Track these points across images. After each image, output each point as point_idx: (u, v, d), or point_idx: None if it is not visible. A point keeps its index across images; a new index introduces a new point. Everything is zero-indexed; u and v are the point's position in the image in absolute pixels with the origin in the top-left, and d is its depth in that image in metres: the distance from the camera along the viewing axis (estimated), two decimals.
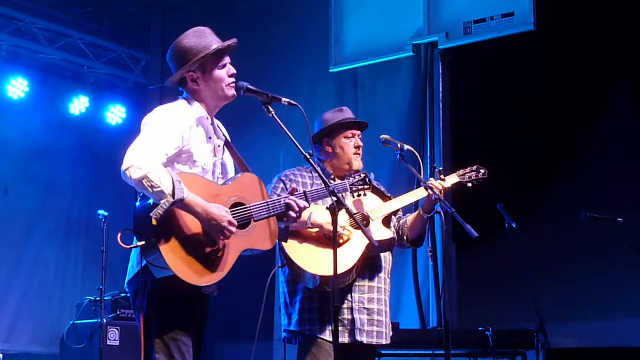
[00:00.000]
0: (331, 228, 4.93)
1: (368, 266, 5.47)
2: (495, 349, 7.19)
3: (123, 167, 4.19)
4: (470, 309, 8.91)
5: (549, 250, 8.47)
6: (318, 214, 5.29)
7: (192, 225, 4.32)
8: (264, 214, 4.62)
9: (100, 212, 9.03)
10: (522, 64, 9.05)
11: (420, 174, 5.54)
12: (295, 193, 4.80)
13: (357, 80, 10.33)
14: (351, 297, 5.42)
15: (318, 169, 4.66)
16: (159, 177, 4.16)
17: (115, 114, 11.96)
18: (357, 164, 5.63)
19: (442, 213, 5.28)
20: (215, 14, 11.10)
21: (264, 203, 4.64)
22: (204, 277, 4.35)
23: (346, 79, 10.38)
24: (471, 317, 8.69)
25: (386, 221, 5.57)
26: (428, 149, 9.35)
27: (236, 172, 4.84)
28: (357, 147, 5.66)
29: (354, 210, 5.34)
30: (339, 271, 4.70)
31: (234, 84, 4.69)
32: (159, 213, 4.14)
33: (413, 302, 9.25)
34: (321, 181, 4.65)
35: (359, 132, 5.72)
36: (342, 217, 5.23)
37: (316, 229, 5.31)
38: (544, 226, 8.49)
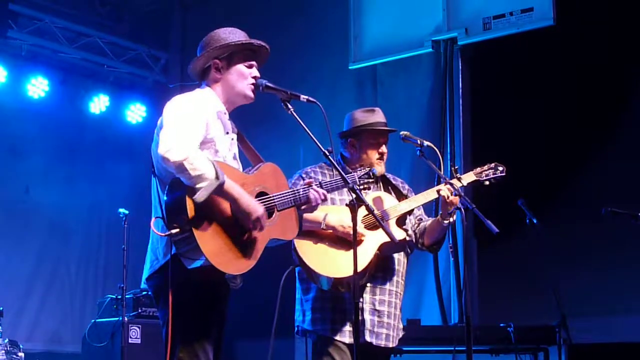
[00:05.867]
0: (345, 231, 5.00)
1: (381, 268, 5.45)
2: (517, 345, 7.18)
3: (161, 151, 4.15)
4: (491, 305, 8.88)
5: (570, 245, 8.43)
6: (333, 215, 5.30)
7: (224, 212, 4.31)
8: (288, 204, 4.65)
9: (121, 210, 9.05)
10: (542, 60, 9.02)
11: (440, 170, 5.51)
12: (313, 184, 4.82)
13: (376, 77, 10.31)
14: (362, 298, 5.39)
15: (337, 166, 4.65)
16: (200, 161, 4.14)
17: (136, 112, 11.97)
18: (380, 169, 5.61)
19: (462, 209, 5.25)
20: (234, 11, 11.11)
21: (287, 192, 4.66)
22: (235, 265, 4.34)
23: (366, 76, 10.36)
24: (493, 313, 8.66)
25: (400, 221, 5.55)
26: (448, 145, 9.34)
27: (249, 164, 4.85)
28: (381, 154, 5.65)
29: (374, 208, 5.33)
30: (352, 272, 4.66)
31: (253, 87, 4.71)
32: (204, 195, 4.11)
33: (434, 299, 9.24)
34: (340, 178, 4.66)
35: (385, 139, 5.70)
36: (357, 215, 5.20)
37: (330, 230, 5.30)
38: (565, 222, 8.46)
